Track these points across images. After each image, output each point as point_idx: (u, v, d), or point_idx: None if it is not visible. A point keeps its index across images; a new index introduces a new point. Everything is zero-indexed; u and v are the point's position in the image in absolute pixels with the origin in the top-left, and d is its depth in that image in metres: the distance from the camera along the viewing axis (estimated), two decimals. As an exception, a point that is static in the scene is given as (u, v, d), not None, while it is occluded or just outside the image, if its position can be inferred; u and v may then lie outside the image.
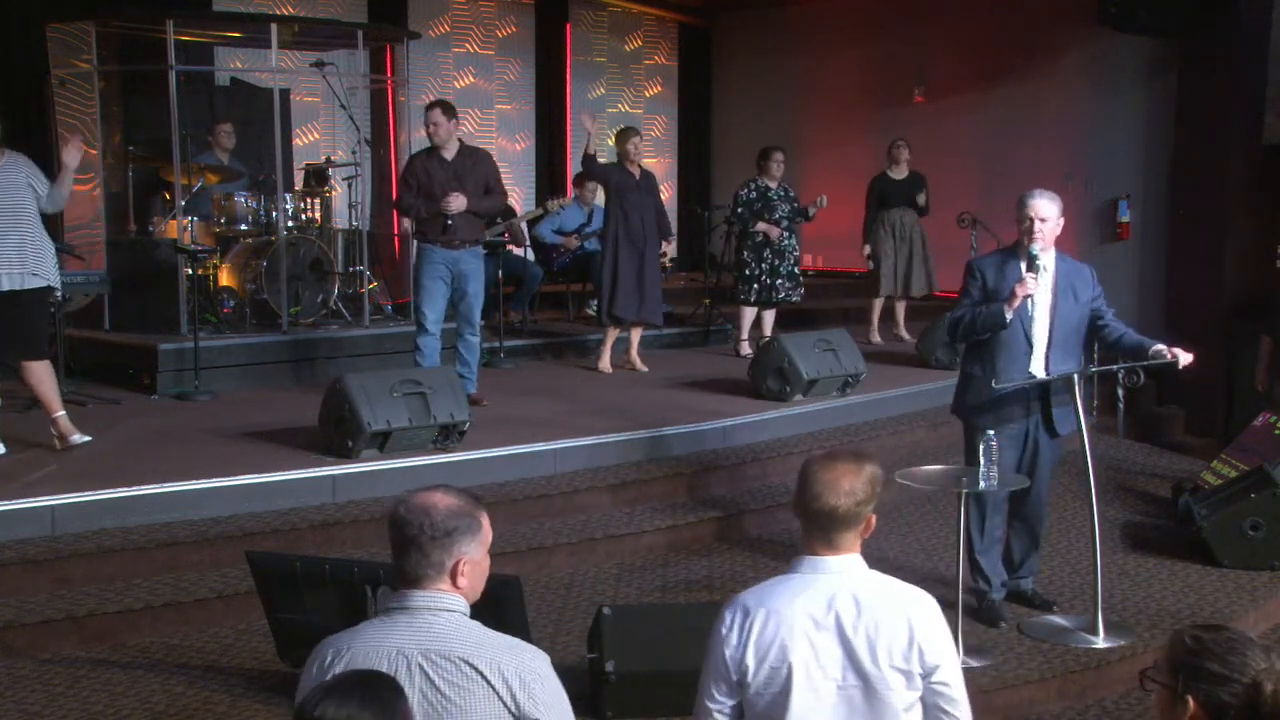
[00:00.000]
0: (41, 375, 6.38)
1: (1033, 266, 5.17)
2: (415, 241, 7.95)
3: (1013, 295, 5.16)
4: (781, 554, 6.25)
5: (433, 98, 11.55)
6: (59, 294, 6.45)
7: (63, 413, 6.44)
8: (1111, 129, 11.94)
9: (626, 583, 5.89)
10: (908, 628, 2.75)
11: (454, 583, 2.62)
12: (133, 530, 5.53)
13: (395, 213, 8.20)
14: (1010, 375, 5.27)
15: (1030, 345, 5.28)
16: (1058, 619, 5.46)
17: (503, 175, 11.54)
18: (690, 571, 6.07)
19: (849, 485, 2.81)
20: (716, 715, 2.83)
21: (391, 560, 2.66)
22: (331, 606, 4.35)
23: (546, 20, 13.46)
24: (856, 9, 13.65)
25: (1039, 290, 5.22)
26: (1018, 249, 5.31)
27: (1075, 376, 5.29)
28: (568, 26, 13.67)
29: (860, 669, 2.74)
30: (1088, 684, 5.06)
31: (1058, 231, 5.24)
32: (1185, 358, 5.12)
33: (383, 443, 6.35)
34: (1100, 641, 5.21)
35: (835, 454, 2.91)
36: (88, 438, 6.42)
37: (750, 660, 2.77)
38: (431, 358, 7.65)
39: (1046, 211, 5.18)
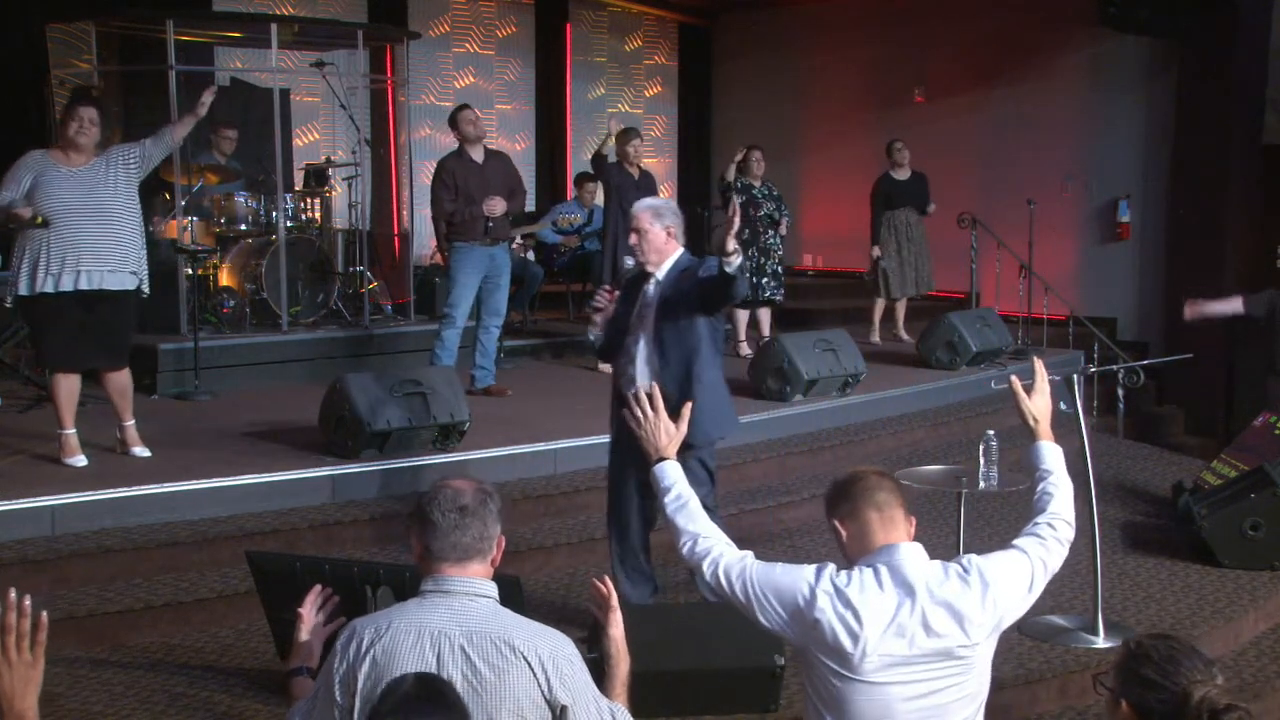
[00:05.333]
0: (124, 385, 6.18)
1: (615, 278, 5.00)
2: (451, 242, 8.02)
3: (594, 310, 5.15)
4: (782, 552, 6.24)
5: (433, 98, 11.62)
6: (144, 293, 6.13)
7: (132, 422, 6.30)
8: (1111, 129, 11.94)
9: (626, 583, 5.86)
10: None
11: (492, 561, 2.72)
12: (133, 530, 5.52)
13: (431, 219, 8.16)
14: (623, 387, 5.07)
15: (630, 355, 5.08)
16: (1058, 619, 5.46)
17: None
18: (690, 571, 6.04)
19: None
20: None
21: (426, 544, 2.69)
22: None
23: (546, 20, 13.46)
24: (856, 9, 13.65)
25: (648, 301, 5.02)
26: None
27: (1075, 376, 5.28)
28: (568, 26, 13.66)
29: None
30: (1088, 684, 5.03)
31: (666, 242, 4.97)
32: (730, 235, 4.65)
33: (383, 443, 6.34)
34: (1100, 641, 5.21)
35: None
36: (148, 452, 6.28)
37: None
38: (453, 350, 7.91)
39: (646, 223, 4.98)
